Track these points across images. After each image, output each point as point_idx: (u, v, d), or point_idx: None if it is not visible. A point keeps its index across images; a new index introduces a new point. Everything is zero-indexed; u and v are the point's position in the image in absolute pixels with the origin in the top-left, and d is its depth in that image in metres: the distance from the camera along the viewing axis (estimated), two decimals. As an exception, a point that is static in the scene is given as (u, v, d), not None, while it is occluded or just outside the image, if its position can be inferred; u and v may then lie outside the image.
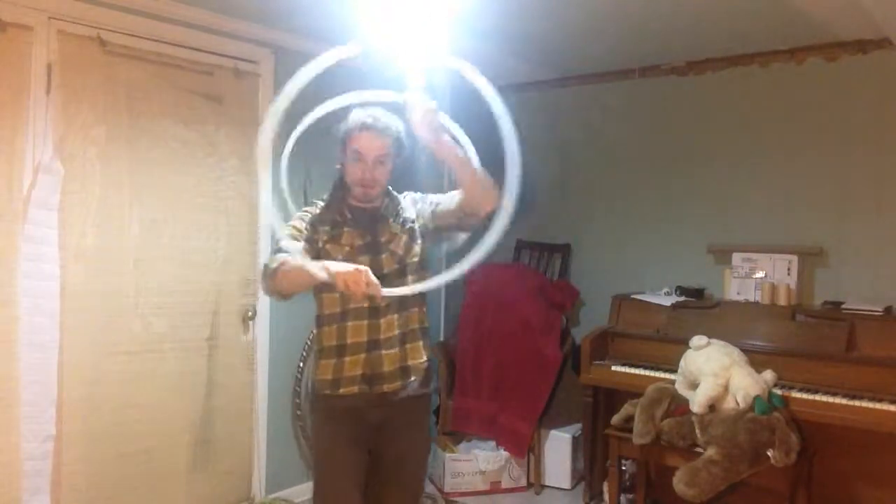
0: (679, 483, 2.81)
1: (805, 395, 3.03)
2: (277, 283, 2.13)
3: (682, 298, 3.74)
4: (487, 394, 3.98)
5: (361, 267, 1.93)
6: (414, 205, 2.32)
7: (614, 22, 3.30)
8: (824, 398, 2.99)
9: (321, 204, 2.30)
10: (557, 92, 4.47)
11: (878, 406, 2.87)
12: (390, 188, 2.32)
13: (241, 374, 3.49)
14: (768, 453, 2.81)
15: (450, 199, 2.22)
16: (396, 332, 2.19)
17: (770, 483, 2.92)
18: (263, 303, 3.53)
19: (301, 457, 3.76)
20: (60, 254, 2.82)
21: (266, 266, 2.18)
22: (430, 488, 3.92)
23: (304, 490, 3.75)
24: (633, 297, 3.84)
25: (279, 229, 2.06)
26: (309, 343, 3.74)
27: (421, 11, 3.09)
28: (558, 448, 3.96)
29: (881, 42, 3.36)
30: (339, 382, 2.18)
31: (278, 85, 3.54)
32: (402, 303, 2.18)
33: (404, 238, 2.23)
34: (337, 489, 2.21)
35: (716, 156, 3.92)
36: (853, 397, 2.94)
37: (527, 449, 3.91)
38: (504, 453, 3.92)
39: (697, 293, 3.78)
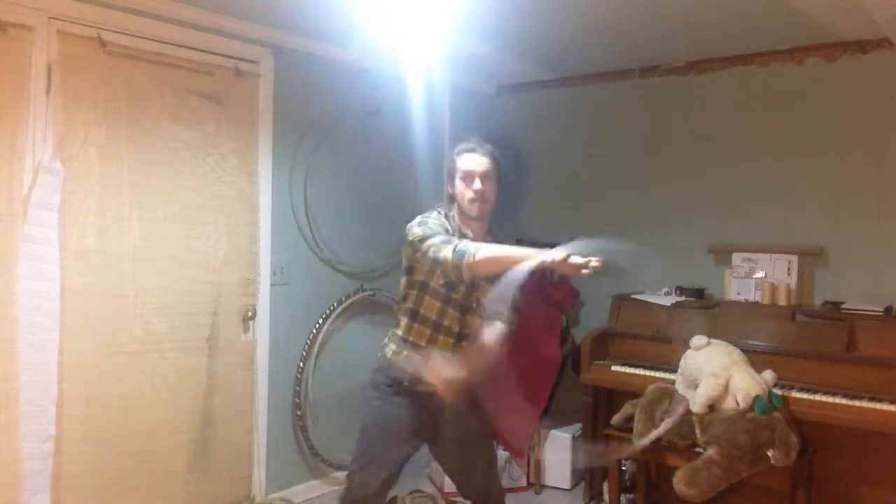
0: (679, 483, 2.81)
1: (805, 395, 3.03)
2: (480, 267, 2.17)
3: (682, 298, 3.74)
4: (487, 394, 3.97)
5: (567, 253, 2.08)
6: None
7: (614, 22, 3.30)
8: (824, 398, 2.99)
9: (443, 218, 2.40)
10: (557, 92, 4.47)
11: (878, 406, 2.87)
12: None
13: (241, 374, 3.49)
14: (768, 453, 2.81)
15: None
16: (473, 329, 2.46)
17: (770, 483, 2.92)
18: (263, 303, 3.54)
19: (301, 457, 3.77)
20: (60, 254, 2.82)
21: (459, 252, 2.17)
22: (430, 488, 3.92)
23: (304, 490, 3.76)
24: (633, 297, 3.84)
25: (428, 222, 2.30)
26: (308, 342, 3.74)
27: (421, 11, 3.10)
28: (558, 448, 3.96)
29: (881, 42, 3.37)
30: (419, 380, 2.38)
31: (278, 85, 3.57)
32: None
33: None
34: (381, 454, 2.44)
35: (716, 156, 3.92)
36: (853, 397, 2.94)
37: (527, 449, 3.91)
38: (504, 453, 3.92)
39: (697, 293, 3.78)
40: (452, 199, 2.46)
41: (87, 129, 2.90)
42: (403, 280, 2.45)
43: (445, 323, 2.40)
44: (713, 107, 3.93)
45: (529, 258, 2.08)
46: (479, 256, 2.14)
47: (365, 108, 3.88)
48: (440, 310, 2.39)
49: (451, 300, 2.39)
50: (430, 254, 2.23)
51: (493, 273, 2.18)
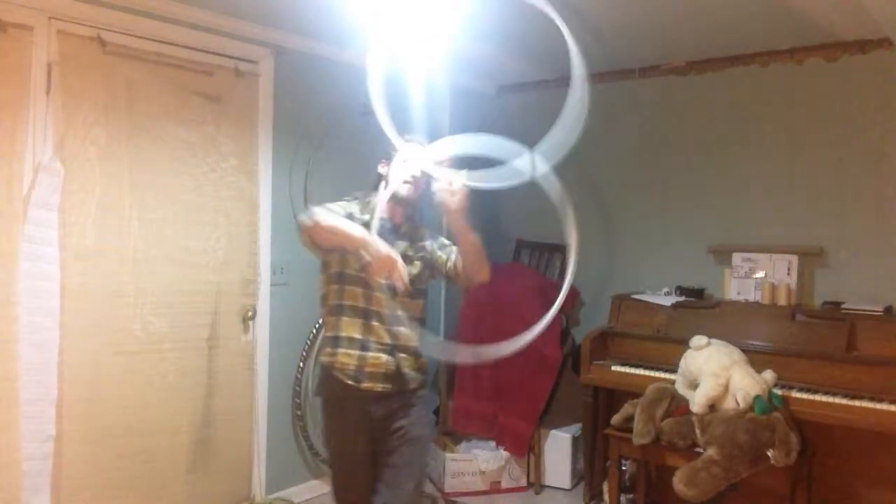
0: (679, 483, 2.80)
1: (805, 395, 3.03)
2: (317, 232, 2.25)
3: (682, 298, 3.74)
4: (487, 394, 3.98)
5: (395, 256, 2.15)
6: (432, 239, 2.52)
7: (614, 22, 3.30)
8: (824, 398, 2.99)
9: (356, 202, 2.42)
10: (558, 92, 4.44)
11: (878, 406, 2.87)
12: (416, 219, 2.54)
13: (241, 374, 3.49)
14: (768, 453, 2.80)
15: (449, 254, 2.46)
16: (412, 344, 2.40)
17: (770, 483, 2.92)
18: (263, 303, 3.54)
19: (301, 457, 3.77)
20: (60, 254, 2.82)
21: (305, 217, 2.26)
22: (429, 488, 3.92)
23: (304, 490, 3.76)
24: (633, 297, 3.84)
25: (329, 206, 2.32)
26: (308, 342, 3.74)
27: (421, 11, 3.09)
28: (558, 448, 3.96)
29: (881, 42, 3.37)
30: (361, 376, 2.32)
31: (278, 85, 3.57)
32: (416, 319, 2.43)
33: (418, 265, 2.42)
34: (353, 479, 2.40)
35: (716, 156, 3.92)
36: (853, 397, 2.94)
37: (527, 449, 3.91)
38: (504, 453, 3.92)
39: (697, 293, 3.78)
40: (381, 179, 2.45)
41: (87, 129, 2.90)
42: (321, 277, 2.40)
43: (374, 308, 2.32)
44: (713, 107, 3.93)
45: (361, 240, 2.16)
46: (315, 221, 2.21)
47: (365, 108, 3.87)
48: (365, 295, 2.33)
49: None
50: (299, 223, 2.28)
51: (329, 242, 2.25)
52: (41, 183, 2.75)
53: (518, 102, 4.65)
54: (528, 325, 4.01)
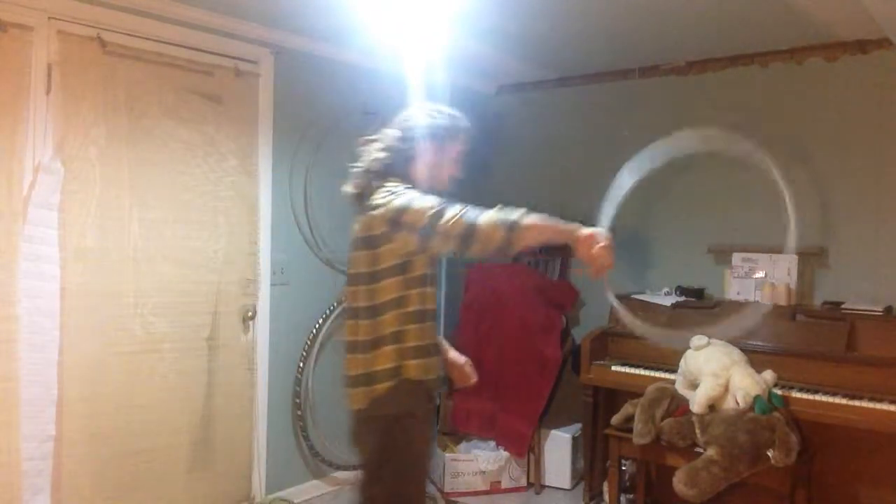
0: (679, 483, 2.80)
1: (805, 395, 3.02)
2: (522, 235, 1.96)
3: (682, 298, 3.74)
4: (487, 394, 3.98)
5: (602, 237, 2.02)
6: None
7: (614, 22, 3.30)
8: (824, 398, 2.99)
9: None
10: (557, 92, 4.46)
11: (878, 406, 2.87)
12: None
13: (241, 374, 3.49)
14: (768, 453, 2.81)
15: None
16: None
17: (770, 483, 2.92)
18: (263, 303, 3.54)
19: (301, 457, 3.77)
20: (60, 254, 2.82)
21: (503, 218, 1.94)
22: (430, 488, 3.92)
23: (305, 490, 3.76)
24: (633, 296, 3.84)
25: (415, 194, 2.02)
26: (308, 342, 3.74)
27: (421, 11, 3.10)
28: (558, 448, 3.96)
29: (881, 42, 3.37)
30: (434, 382, 2.15)
31: (278, 85, 3.57)
32: None
33: None
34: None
35: (715, 156, 3.91)
36: (853, 397, 2.94)
37: (527, 449, 3.91)
38: (504, 453, 3.92)
39: (697, 293, 3.78)
40: (415, 161, 2.15)
41: (87, 129, 2.90)
42: (391, 281, 2.01)
43: (433, 307, 2.12)
44: (713, 107, 3.93)
45: (568, 231, 2.01)
46: (527, 222, 1.93)
47: (365, 108, 3.88)
48: (433, 295, 2.11)
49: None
50: (458, 229, 1.90)
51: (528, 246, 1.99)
52: (41, 183, 2.75)
53: (518, 102, 4.65)
54: (528, 325, 4.03)
